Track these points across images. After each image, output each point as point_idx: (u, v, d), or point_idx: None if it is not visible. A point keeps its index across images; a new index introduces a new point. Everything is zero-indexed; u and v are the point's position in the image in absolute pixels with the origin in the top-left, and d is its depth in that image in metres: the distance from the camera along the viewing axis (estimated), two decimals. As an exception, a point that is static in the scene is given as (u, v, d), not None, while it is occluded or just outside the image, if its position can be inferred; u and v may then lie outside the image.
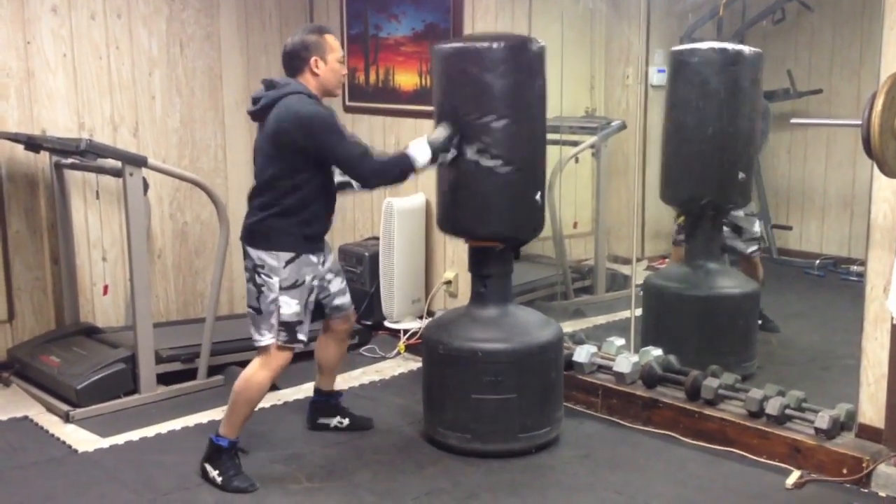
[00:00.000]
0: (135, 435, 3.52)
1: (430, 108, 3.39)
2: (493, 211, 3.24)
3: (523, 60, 3.19)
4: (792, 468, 3.16)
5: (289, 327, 3.09)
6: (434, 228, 3.58)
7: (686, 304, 3.94)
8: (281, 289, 3.06)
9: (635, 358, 3.74)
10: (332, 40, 3.15)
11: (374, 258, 4.74)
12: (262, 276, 3.06)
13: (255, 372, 3.12)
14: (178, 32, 4.68)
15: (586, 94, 5.37)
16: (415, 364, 4.31)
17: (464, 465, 3.27)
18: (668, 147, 3.99)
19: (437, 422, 3.39)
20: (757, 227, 4.42)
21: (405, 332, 4.62)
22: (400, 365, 4.44)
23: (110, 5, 4.43)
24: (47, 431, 3.59)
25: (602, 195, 5.04)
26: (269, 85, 3.12)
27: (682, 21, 5.22)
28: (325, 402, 3.61)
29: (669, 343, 3.83)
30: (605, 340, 3.94)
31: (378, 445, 3.46)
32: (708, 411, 3.44)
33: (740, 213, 4.30)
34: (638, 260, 4.46)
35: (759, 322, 4.24)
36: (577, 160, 4.93)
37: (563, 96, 4.48)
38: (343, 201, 5.24)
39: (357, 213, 5.21)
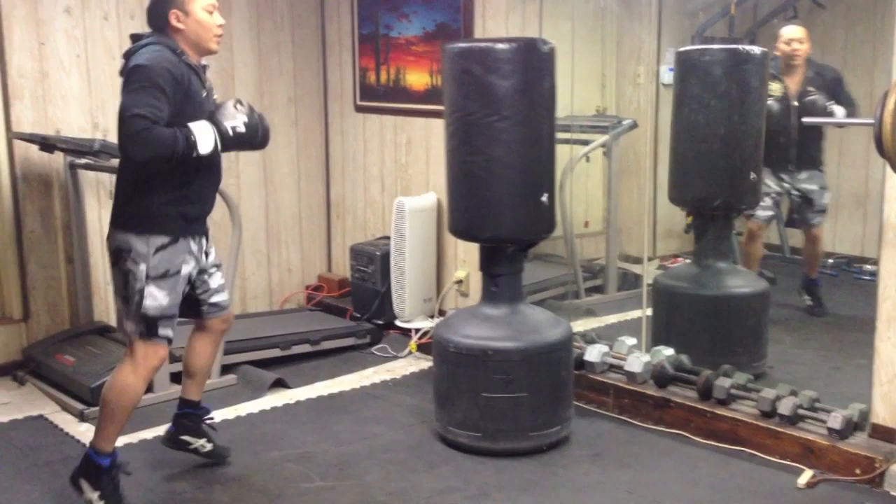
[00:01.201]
0: (149, 433, 3.54)
1: (441, 108, 3.40)
2: (498, 213, 3.26)
3: (531, 61, 3.19)
4: (804, 468, 3.15)
5: (149, 322, 2.73)
6: (446, 227, 3.59)
7: (697, 303, 3.94)
8: (148, 278, 2.70)
9: (647, 357, 3.73)
10: None
11: (386, 257, 4.75)
12: (129, 261, 2.70)
13: (126, 375, 2.78)
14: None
15: (597, 93, 5.37)
16: (426, 363, 4.33)
17: (475, 463, 3.28)
18: (676, 147, 3.99)
19: (447, 420, 3.41)
20: (826, 199, 4.53)
21: (416, 331, 4.64)
22: (411, 364, 4.45)
23: (123, 6, 4.46)
24: (62, 430, 3.62)
25: (613, 194, 5.03)
26: (134, 38, 2.76)
27: (693, 19, 5.21)
28: (196, 416, 3.16)
29: (681, 342, 3.83)
30: (617, 340, 3.94)
31: (390, 444, 3.48)
32: (720, 411, 3.43)
33: (814, 186, 4.46)
34: (649, 259, 4.46)
35: (811, 305, 4.51)
36: (588, 159, 4.93)
37: (573, 95, 4.48)
38: (354, 200, 5.33)
39: (368, 213, 5.23)
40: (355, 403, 3.93)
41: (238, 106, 2.72)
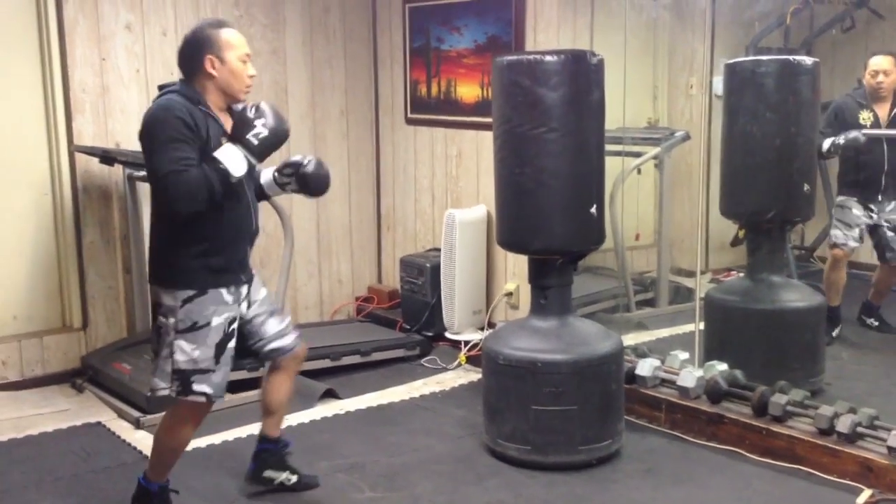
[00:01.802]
0: (202, 442, 3.59)
1: (491, 120, 3.41)
2: (547, 224, 3.25)
3: (580, 73, 3.19)
4: (863, 487, 3.07)
5: (182, 376, 2.67)
6: (495, 239, 3.59)
7: (751, 317, 3.87)
8: (177, 332, 2.65)
9: (699, 372, 3.68)
10: (230, 35, 2.68)
11: (436, 269, 4.77)
12: (160, 316, 2.68)
13: (174, 424, 2.80)
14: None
15: (649, 105, 5.33)
16: (475, 375, 4.32)
17: (524, 477, 3.26)
18: (729, 160, 3.94)
19: (496, 433, 3.40)
20: None
21: (466, 343, 4.64)
22: (461, 376, 4.45)
23: (181, 22, 4.57)
24: (119, 437, 3.69)
25: (665, 207, 4.98)
26: (159, 90, 2.75)
27: (748, 30, 5.14)
28: (274, 451, 3.10)
29: (734, 357, 3.76)
30: (669, 354, 3.89)
31: (439, 456, 3.48)
32: (775, 428, 3.37)
33: None
34: (702, 272, 4.40)
35: (877, 326, 4.44)
36: (639, 171, 4.89)
37: (625, 107, 4.45)
38: (405, 212, 5.36)
39: (418, 225, 5.26)
40: (405, 415, 3.94)
41: (252, 112, 2.62)
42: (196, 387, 2.68)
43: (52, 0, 4.18)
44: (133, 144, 4.38)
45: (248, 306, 2.84)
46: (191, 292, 2.63)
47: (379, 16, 5.31)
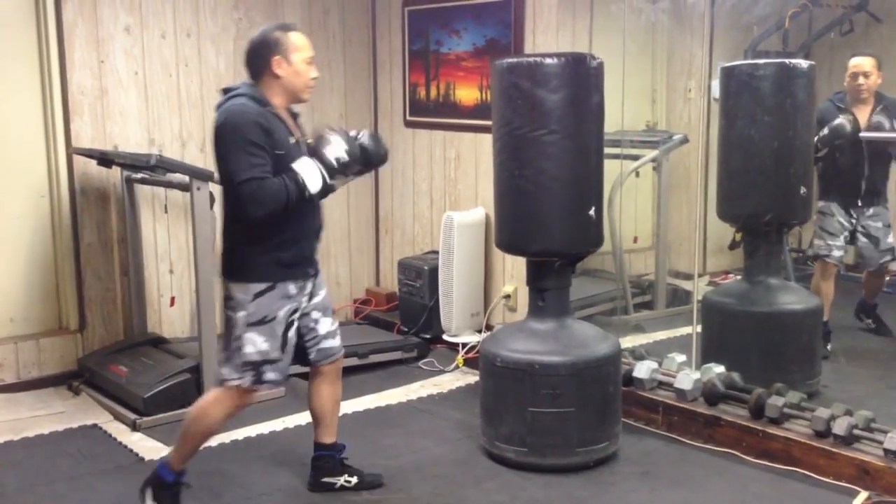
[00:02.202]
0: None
1: (490, 123, 3.42)
2: (545, 227, 3.25)
3: (579, 76, 3.20)
4: (859, 490, 3.07)
5: (255, 367, 2.80)
6: (493, 242, 3.60)
7: (747, 320, 3.88)
8: (248, 325, 2.77)
9: (697, 374, 3.68)
10: (297, 38, 2.82)
11: (434, 272, 4.77)
12: (230, 309, 2.80)
13: (211, 406, 2.87)
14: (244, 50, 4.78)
15: (648, 108, 5.33)
16: (473, 378, 4.32)
17: (521, 479, 3.26)
18: (726, 163, 3.95)
19: (494, 435, 3.40)
20: (891, 239, 4.33)
21: (464, 345, 4.64)
22: (458, 379, 4.45)
23: (180, 25, 4.57)
24: (115, 439, 3.69)
25: (663, 209, 4.99)
26: (224, 92, 2.84)
27: (746, 33, 5.15)
28: (330, 457, 3.17)
29: (731, 360, 3.77)
30: (666, 356, 3.89)
31: (437, 458, 3.48)
32: (772, 430, 3.37)
33: (879, 223, 4.28)
34: (700, 275, 4.40)
35: (873, 327, 4.45)
36: (637, 174, 4.90)
37: (624, 110, 4.46)
38: (403, 215, 5.36)
39: (417, 227, 5.26)
40: (402, 417, 3.94)
41: (332, 135, 2.76)
42: (267, 376, 2.81)
43: (52, 2, 4.19)
44: (130, 147, 4.40)
45: (310, 299, 2.94)
46: (263, 286, 2.75)
47: (378, 19, 5.32)
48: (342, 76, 5.25)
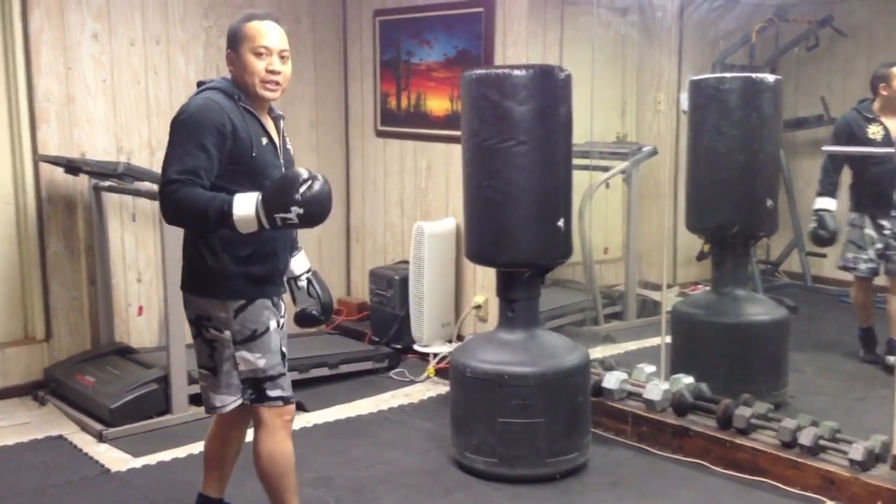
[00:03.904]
0: (167, 455, 3.55)
1: (460, 133, 3.42)
2: (514, 237, 3.27)
3: (547, 87, 3.22)
4: (825, 500, 3.10)
5: (254, 385, 2.54)
6: (464, 252, 3.60)
7: (715, 331, 3.91)
8: (236, 343, 2.50)
9: (666, 385, 3.71)
10: (252, 27, 2.47)
11: (404, 282, 4.77)
12: (212, 330, 2.52)
13: (265, 444, 2.60)
14: (215, 58, 4.77)
15: (617, 120, 5.38)
16: (444, 388, 4.32)
17: (491, 489, 3.26)
18: (693, 175, 4.00)
19: (464, 446, 3.39)
20: None
21: (434, 355, 4.63)
22: (429, 389, 4.44)
23: (149, 32, 4.54)
24: (81, 450, 3.64)
25: (633, 221, 5.03)
26: (198, 86, 2.58)
27: (714, 47, 5.22)
28: None
29: (700, 370, 3.80)
30: (636, 367, 3.91)
31: (406, 469, 3.47)
32: (740, 440, 3.40)
33: None
34: (669, 286, 4.44)
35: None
36: (607, 185, 4.94)
37: (593, 122, 4.49)
38: (374, 224, 5.36)
39: (388, 237, 5.25)
40: (373, 427, 3.92)
41: (303, 191, 2.29)
42: (271, 392, 2.56)
43: (18, 8, 4.14)
44: (98, 154, 4.36)
45: (280, 326, 2.62)
46: (241, 301, 2.48)
47: (349, 28, 5.32)
48: (313, 85, 5.24)
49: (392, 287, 4.83)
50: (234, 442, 2.81)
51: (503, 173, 3.23)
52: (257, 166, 2.45)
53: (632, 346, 4.74)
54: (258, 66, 2.45)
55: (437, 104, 4.84)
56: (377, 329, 4.96)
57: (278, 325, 2.59)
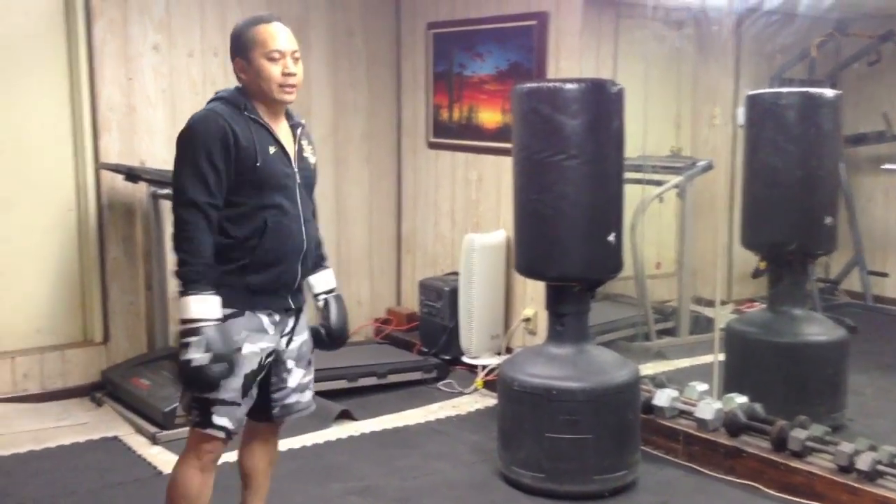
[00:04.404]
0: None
1: (510, 146, 3.42)
2: (564, 251, 3.25)
3: (599, 101, 3.20)
4: (882, 526, 3.02)
5: (202, 405, 2.35)
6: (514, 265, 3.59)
7: (771, 350, 3.83)
8: None
9: (718, 404, 3.64)
10: (261, 31, 2.37)
11: (454, 293, 4.77)
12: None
13: (184, 467, 2.43)
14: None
15: (672, 134, 5.32)
16: (492, 400, 4.30)
17: (537, 505, 3.24)
18: (750, 191, 3.93)
19: (511, 460, 3.37)
20: None
21: (483, 367, 4.62)
22: (477, 401, 4.43)
23: (207, 44, 4.63)
24: (135, 452, 3.71)
25: (687, 236, 4.96)
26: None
27: (771, 61, 5.14)
28: None
29: (754, 390, 3.72)
30: (688, 385, 3.85)
31: (453, 481, 3.46)
32: (795, 463, 3.32)
33: None
34: (724, 303, 4.37)
35: None
36: (660, 200, 4.88)
37: (647, 135, 4.46)
38: (425, 236, 5.37)
39: (438, 248, 5.27)
40: (420, 438, 3.93)
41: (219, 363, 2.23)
42: (216, 419, 2.35)
43: (83, 20, 4.27)
44: (157, 163, 4.45)
45: (288, 343, 2.50)
46: (228, 311, 2.33)
47: (403, 40, 5.36)
48: (366, 97, 5.29)
49: (442, 298, 4.83)
50: (257, 455, 2.65)
51: (553, 187, 3.22)
52: (263, 176, 2.36)
53: (684, 363, 4.66)
54: (274, 70, 2.36)
55: (489, 116, 4.85)
56: (426, 340, 4.97)
57: (272, 353, 2.42)
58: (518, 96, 3.31)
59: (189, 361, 2.23)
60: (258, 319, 2.39)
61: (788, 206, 3.76)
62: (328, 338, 2.65)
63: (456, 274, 4.86)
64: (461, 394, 4.54)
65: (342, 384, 4.43)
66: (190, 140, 2.32)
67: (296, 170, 2.45)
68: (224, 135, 2.31)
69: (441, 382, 4.66)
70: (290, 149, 2.46)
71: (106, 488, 3.36)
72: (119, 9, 4.34)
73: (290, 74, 2.38)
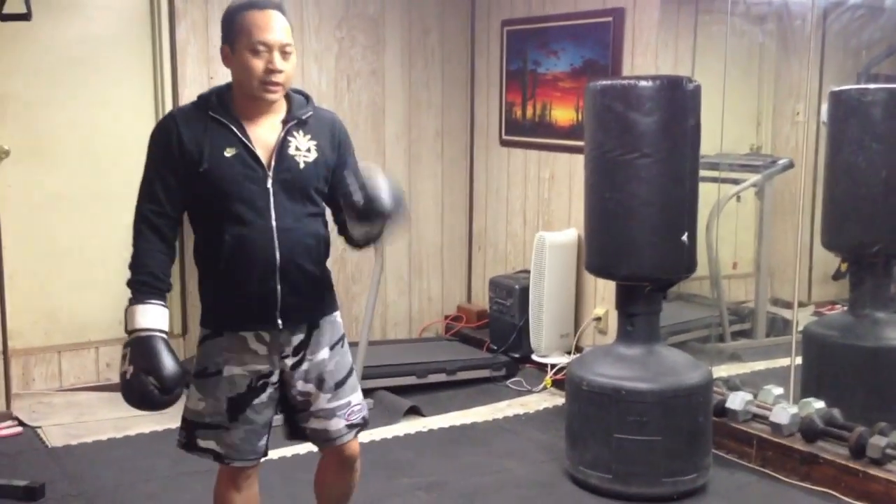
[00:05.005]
0: (288, 451, 3.66)
1: (583, 143, 3.40)
2: (635, 251, 3.21)
3: (675, 99, 3.15)
4: (968, 541, 2.90)
5: (187, 427, 2.24)
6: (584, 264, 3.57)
7: (851, 354, 3.71)
8: (194, 374, 2.25)
9: (794, 409, 3.55)
10: (251, 19, 2.09)
11: (525, 291, 4.76)
12: None
13: (218, 485, 2.35)
14: (345, 68, 4.92)
15: (752, 131, 5.19)
16: (560, 399, 4.28)
17: (604, 506, 3.21)
18: (831, 190, 3.81)
19: (578, 460, 3.35)
20: None
21: (552, 366, 4.60)
22: (545, 399, 4.42)
23: (285, 43, 4.71)
24: (209, 441, 3.81)
25: (765, 235, 4.83)
26: None
27: (858, 57, 4.96)
28: None
29: (832, 395, 3.61)
30: (762, 388, 3.76)
31: (520, 479, 3.46)
32: (873, 471, 3.21)
33: None
34: (804, 305, 4.25)
35: None
36: (738, 199, 4.76)
37: (725, 133, 4.36)
38: (496, 233, 5.37)
39: (509, 245, 5.26)
40: (487, 435, 3.93)
41: (156, 374, 2.11)
42: (201, 442, 2.23)
43: (167, 22, 4.41)
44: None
45: (297, 364, 2.25)
46: (206, 331, 2.21)
47: (477, 38, 5.37)
48: (440, 94, 5.32)
49: (512, 296, 4.83)
50: (330, 484, 2.49)
51: (626, 186, 3.18)
52: (211, 181, 2.11)
53: (759, 365, 4.55)
54: (256, 65, 2.09)
55: (563, 114, 4.82)
56: (496, 337, 4.97)
57: (255, 377, 2.21)
58: (591, 93, 3.28)
59: (122, 374, 2.11)
60: (241, 339, 2.19)
61: (872, 206, 3.63)
62: (364, 205, 2.12)
63: (526, 272, 4.85)
64: (530, 392, 4.53)
65: (411, 380, 4.47)
66: (149, 145, 2.19)
67: (269, 172, 2.15)
68: (167, 139, 2.13)
69: (510, 380, 4.66)
70: (263, 148, 2.16)
71: (181, 476, 3.47)
72: (200, 10, 4.47)
73: (274, 71, 2.11)
